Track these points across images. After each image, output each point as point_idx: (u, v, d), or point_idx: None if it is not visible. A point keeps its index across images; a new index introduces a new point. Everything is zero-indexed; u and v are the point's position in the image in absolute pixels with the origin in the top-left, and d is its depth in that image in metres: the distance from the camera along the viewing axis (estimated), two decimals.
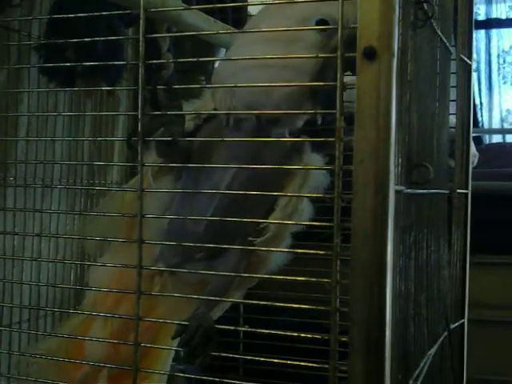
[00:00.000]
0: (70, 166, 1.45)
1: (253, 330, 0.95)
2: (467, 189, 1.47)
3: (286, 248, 1.09)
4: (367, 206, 0.71)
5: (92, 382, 1.14)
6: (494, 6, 4.53)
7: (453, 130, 1.46)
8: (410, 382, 0.97)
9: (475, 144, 3.19)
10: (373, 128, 0.71)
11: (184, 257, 1.14)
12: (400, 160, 0.85)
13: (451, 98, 1.41)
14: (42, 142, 1.34)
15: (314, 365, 0.84)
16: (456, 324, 1.42)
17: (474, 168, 2.94)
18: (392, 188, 0.72)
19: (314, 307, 0.85)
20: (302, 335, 0.86)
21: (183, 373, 1.25)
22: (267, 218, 1.05)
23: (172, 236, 1.11)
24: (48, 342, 1.17)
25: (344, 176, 0.77)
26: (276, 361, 0.88)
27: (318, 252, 0.81)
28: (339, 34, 0.78)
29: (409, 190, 0.92)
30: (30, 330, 1.38)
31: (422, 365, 1.06)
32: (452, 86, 1.41)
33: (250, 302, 1.01)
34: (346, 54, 0.77)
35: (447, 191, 1.33)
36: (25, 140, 1.32)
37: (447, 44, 1.27)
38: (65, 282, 1.43)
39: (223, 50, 1.76)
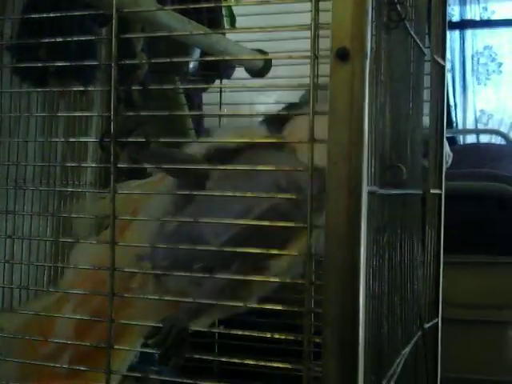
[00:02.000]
0: (43, 167, 1.44)
1: (227, 331, 0.95)
2: (441, 189, 1.48)
3: None
4: (340, 208, 0.71)
5: (56, 360, 1.13)
6: (468, 6, 4.56)
7: (427, 130, 1.47)
8: (384, 382, 0.97)
9: (449, 144, 3.21)
10: (346, 130, 0.71)
11: (175, 263, 1.12)
12: (373, 161, 0.86)
13: (425, 99, 1.42)
14: (15, 142, 1.33)
15: (288, 366, 0.85)
16: (430, 323, 1.43)
17: (448, 168, 2.97)
18: (365, 189, 0.73)
19: (289, 308, 0.85)
20: (276, 336, 0.87)
21: (158, 375, 1.25)
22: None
23: (167, 239, 1.10)
24: (20, 316, 1.18)
25: None
26: (250, 362, 0.88)
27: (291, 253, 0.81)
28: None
29: (382, 191, 0.92)
30: None
31: (395, 365, 1.07)
32: (426, 87, 1.42)
33: (226, 303, 1.01)
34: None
35: (421, 192, 1.34)
36: None
37: (421, 45, 1.28)
38: (38, 283, 1.42)
39: (198, 51, 1.76)
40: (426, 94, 1.46)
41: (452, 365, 2.12)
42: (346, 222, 0.71)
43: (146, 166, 1.09)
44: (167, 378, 1.07)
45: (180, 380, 0.92)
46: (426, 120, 1.47)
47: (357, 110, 0.70)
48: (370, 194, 0.78)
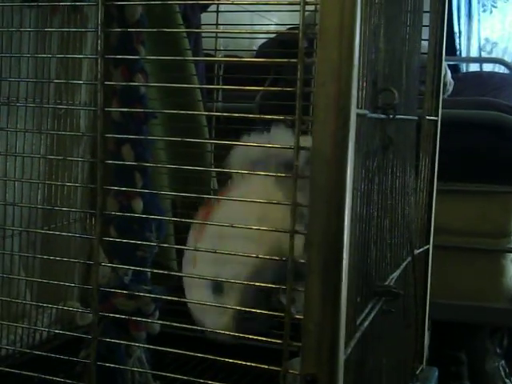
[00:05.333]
0: (37, 85, 1.42)
1: None
2: (437, 116, 1.47)
3: None
4: (327, 130, 0.71)
5: None
6: None
7: (425, 56, 1.45)
8: (370, 304, 0.99)
9: (452, 72, 3.19)
10: (335, 49, 0.70)
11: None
12: (364, 84, 0.85)
13: (424, 24, 1.40)
14: (7, 59, 1.31)
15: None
16: (421, 250, 1.44)
17: (449, 96, 2.95)
18: (354, 111, 0.72)
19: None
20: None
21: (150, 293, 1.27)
22: None
23: None
24: None
25: None
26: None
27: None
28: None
29: (373, 115, 0.92)
30: None
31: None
32: (425, 11, 1.39)
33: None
34: None
35: (416, 118, 1.33)
36: None
37: None
38: (32, 202, 1.42)
39: None
40: (428, 19, 1.44)
41: (444, 292, 2.16)
42: (333, 144, 0.70)
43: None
44: (158, 296, 1.08)
45: (171, 298, 0.93)
46: (425, 45, 1.46)
47: (348, 26, 0.69)
48: (360, 116, 0.78)
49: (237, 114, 0.87)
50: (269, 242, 0.90)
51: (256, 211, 0.94)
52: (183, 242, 1.12)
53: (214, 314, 1.00)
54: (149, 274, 1.39)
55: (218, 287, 1.01)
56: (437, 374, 1.57)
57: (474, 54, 4.49)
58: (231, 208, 1.01)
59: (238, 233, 0.91)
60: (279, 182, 0.96)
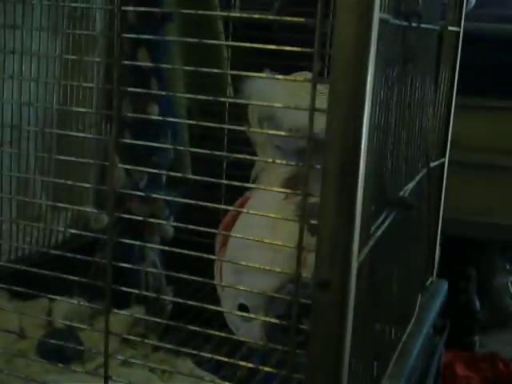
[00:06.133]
0: None
1: None
2: (459, 27, 1.44)
3: None
4: (349, 33, 0.69)
5: None
6: None
7: None
8: (384, 214, 0.99)
9: None
10: None
11: None
12: None
13: None
14: None
15: None
16: (436, 162, 1.44)
17: (471, 9, 2.88)
18: (376, 15, 0.70)
19: None
20: None
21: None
22: None
23: None
24: None
25: None
26: None
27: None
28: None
29: (395, 21, 0.90)
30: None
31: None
32: None
33: None
34: None
35: (438, 27, 1.30)
36: None
37: None
38: (47, 100, 1.42)
39: None
40: None
41: (456, 206, 2.16)
42: (354, 48, 0.69)
43: None
44: (171, 198, 1.09)
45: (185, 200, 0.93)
46: None
47: None
48: (382, 21, 0.76)
49: (256, 16, 0.85)
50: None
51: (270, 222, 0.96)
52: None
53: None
54: (164, 179, 1.40)
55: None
56: (446, 286, 1.58)
57: None
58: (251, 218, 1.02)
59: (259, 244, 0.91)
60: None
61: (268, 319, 0.96)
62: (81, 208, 1.49)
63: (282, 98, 1.00)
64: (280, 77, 0.88)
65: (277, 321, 0.85)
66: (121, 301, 1.00)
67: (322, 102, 0.73)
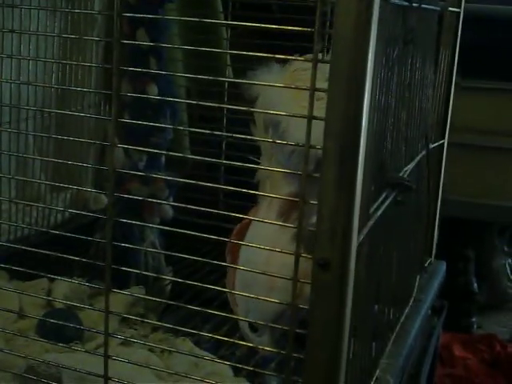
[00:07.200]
0: None
1: None
2: (460, 8, 1.43)
3: None
4: (351, 11, 0.69)
5: None
6: None
7: None
8: (384, 193, 0.99)
9: None
10: None
11: None
12: None
13: None
14: None
15: None
16: (436, 144, 1.43)
17: None
18: None
19: None
20: None
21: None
22: None
23: None
24: None
25: None
26: None
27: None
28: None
29: (396, 1, 0.89)
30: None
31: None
32: None
33: None
34: None
35: (438, 8, 1.30)
36: None
37: None
38: (45, 80, 1.41)
39: None
40: None
41: (455, 188, 2.16)
42: (355, 27, 0.68)
43: None
44: (169, 178, 1.09)
45: (184, 180, 0.93)
46: None
47: None
48: (383, 1, 0.75)
49: None
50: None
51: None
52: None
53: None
54: (163, 160, 1.40)
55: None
56: (445, 268, 1.59)
57: None
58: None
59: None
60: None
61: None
62: (80, 188, 1.49)
63: (290, 107, 0.97)
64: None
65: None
66: (120, 281, 1.01)
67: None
